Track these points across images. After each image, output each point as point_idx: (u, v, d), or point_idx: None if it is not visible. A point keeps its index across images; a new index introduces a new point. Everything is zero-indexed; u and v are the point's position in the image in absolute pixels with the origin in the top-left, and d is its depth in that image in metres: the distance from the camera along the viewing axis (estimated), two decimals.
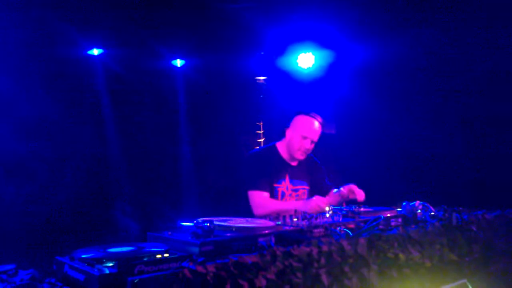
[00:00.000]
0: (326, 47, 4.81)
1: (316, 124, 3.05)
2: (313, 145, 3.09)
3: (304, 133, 3.01)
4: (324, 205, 2.57)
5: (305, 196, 3.11)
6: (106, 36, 4.23)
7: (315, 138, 3.06)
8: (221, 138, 4.86)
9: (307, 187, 3.13)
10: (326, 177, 3.27)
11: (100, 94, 4.34)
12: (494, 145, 3.73)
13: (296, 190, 3.08)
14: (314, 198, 2.67)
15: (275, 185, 2.99)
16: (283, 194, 3.01)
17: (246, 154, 3.12)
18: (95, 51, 4.37)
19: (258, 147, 3.22)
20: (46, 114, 3.85)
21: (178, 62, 4.96)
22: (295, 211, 2.25)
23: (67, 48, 4.08)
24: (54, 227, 3.71)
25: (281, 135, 3.16)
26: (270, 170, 2.97)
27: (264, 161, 3.01)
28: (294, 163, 3.11)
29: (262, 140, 5.06)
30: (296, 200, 3.05)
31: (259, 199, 2.87)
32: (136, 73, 4.47)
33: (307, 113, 3.09)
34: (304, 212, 2.26)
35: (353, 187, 2.85)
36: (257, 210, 2.84)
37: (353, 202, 2.77)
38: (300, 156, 3.06)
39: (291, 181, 3.06)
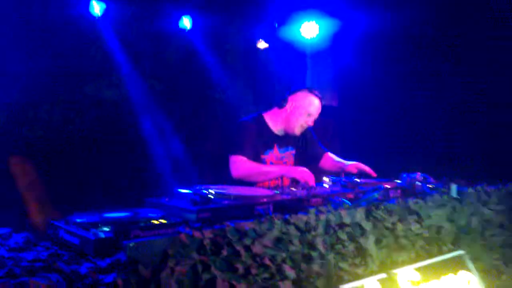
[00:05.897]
0: (331, 15, 4.70)
1: (319, 102, 3.05)
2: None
3: (310, 110, 3.01)
4: (310, 177, 2.53)
5: (292, 159, 3.11)
6: None
7: (317, 115, 3.08)
8: (220, 106, 4.82)
9: (293, 151, 3.13)
10: (316, 138, 3.27)
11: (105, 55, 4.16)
12: (498, 117, 3.67)
13: (282, 158, 3.07)
14: (300, 167, 2.67)
15: (263, 156, 2.96)
16: (271, 164, 3.00)
17: (236, 123, 3.06)
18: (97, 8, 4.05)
19: (246, 117, 3.13)
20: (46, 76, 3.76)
21: (186, 22, 4.67)
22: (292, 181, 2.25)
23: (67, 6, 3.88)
24: (50, 192, 3.71)
25: (270, 107, 3.12)
26: (257, 141, 2.94)
27: (252, 130, 2.96)
28: (281, 134, 3.08)
29: None
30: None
31: (240, 161, 2.81)
32: (140, 35, 4.32)
33: (310, 90, 3.08)
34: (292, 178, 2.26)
35: (360, 165, 2.90)
36: (236, 172, 2.78)
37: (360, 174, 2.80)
38: (299, 132, 3.05)
39: (279, 149, 3.06)
